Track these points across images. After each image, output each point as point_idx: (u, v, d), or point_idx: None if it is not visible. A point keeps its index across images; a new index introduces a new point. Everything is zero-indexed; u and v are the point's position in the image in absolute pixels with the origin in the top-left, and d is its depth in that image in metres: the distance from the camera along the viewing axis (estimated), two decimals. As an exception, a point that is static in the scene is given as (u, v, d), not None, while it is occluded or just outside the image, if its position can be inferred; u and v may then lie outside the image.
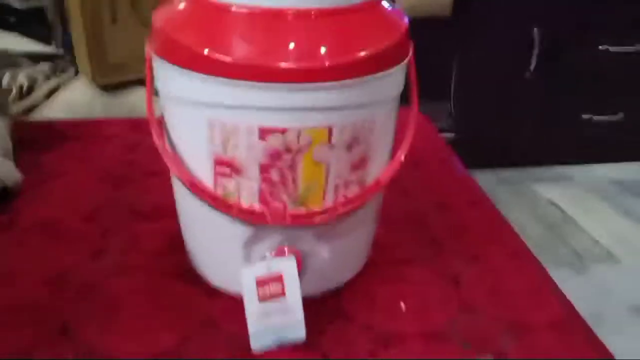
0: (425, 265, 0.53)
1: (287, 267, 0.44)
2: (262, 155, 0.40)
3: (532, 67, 1.65)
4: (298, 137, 0.40)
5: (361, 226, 0.48)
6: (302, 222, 0.43)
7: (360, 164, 0.43)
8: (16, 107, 0.93)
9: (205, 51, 0.38)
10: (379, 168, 0.46)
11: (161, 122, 0.45)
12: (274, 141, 0.40)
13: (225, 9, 0.38)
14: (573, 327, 0.48)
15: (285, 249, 0.44)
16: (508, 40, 1.65)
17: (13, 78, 0.96)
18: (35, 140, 0.72)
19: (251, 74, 0.38)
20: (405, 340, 0.45)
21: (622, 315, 1.21)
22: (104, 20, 0.88)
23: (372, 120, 0.42)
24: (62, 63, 1.01)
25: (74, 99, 0.96)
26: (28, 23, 1.07)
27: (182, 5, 0.41)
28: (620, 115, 1.75)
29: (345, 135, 0.41)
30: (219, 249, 0.47)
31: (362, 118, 0.41)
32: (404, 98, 0.47)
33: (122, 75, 0.93)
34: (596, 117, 1.73)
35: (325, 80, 0.38)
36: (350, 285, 0.50)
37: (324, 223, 0.44)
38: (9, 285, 0.49)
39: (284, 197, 0.42)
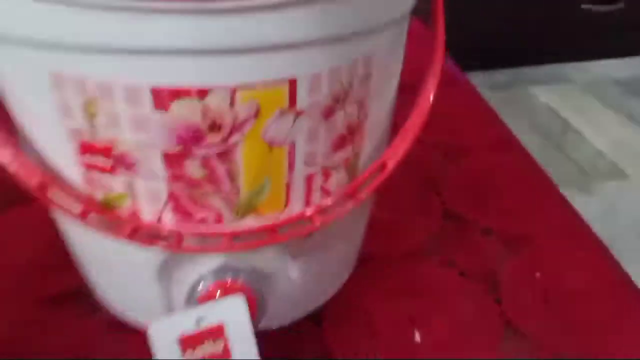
0: (441, 257, 0.36)
1: (232, 311, 0.26)
2: (164, 137, 0.21)
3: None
4: (231, 101, 0.20)
5: (352, 227, 0.30)
6: (252, 244, 0.25)
7: (347, 139, 0.24)
8: None
9: None
10: (380, 141, 0.27)
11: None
12: (185, 111, 0.20)
13: None
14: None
15: (228, 281, 0.26)
16: None
17: None
18: None
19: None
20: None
21: (633, 240, 1.08)
22: None
23: (367, 61, 0.23)
24: None
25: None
26: None
27: None
28: (620, 5, 1.54)
29: (321, 92, 0.22)
30: (121, 284, 0.29)
31: (350, 57, 0.22)
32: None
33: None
34: (596, 7, 1.52)
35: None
36: (333, 303, 0.33)
37: (290, 239, 0.25)
38: None
39: (216, 205, 0.24)
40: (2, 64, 0.22)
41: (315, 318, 0.32)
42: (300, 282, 0.29)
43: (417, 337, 0.32)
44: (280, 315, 0.30)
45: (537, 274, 0.36)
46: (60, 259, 0.32)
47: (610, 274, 0.36)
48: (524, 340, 0.32)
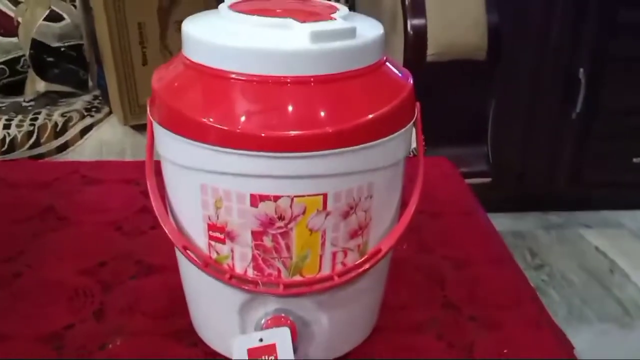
0: (437, 332, 0.50)
1: (281, 337, 0.42)
2: (254, 221, 0.39)
3: (578, 108, 1.60)
4: (291, 204, 0.38)
5: (365, 293, 0.46)
6: (297, 291, 0.41)
7: (359, 232, 0.41)
8: (50, 145, 0.95)
9: (200, 119, 0.37)
10: (383, 233, 0.43)
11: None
12: (266, 208, 0.38)
13: (222, 76, 0.37)
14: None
15: (282, 317, 0.42)
16: (549, 81, 1.61)
17: (49, 116, 0.98)
18: (57, 181, 0.73)
19: (246, 143, 0.37)
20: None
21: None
22: (134, 63, 0.90)
23: (370, 186, 0.40)
24: (96, 102, 1.04)
25: (106, 138, 0.97)
26: (66, 61, 1.10)
27: (180, 69, 0.40)
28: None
29: (341, 203, 0.39)
30: (215, 314, 0.45)
31: (358, 184, 0.39)
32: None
33: (152, 116, 0.94)
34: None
35: (320, 149, 0.37)
36: (354, 354, 0.48)
37: (320, 292, 0.42)
38: (8, 342, 0.48)
39: (278, 265, 0.40)
40: (170, 175, 0.41)
41: (340, 360, 0.47)
42: (327, 329, 0.44)
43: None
44: (314, 354, 0.45)
45: (505, 351, 0.49)
46: (181, 308, 0.49)
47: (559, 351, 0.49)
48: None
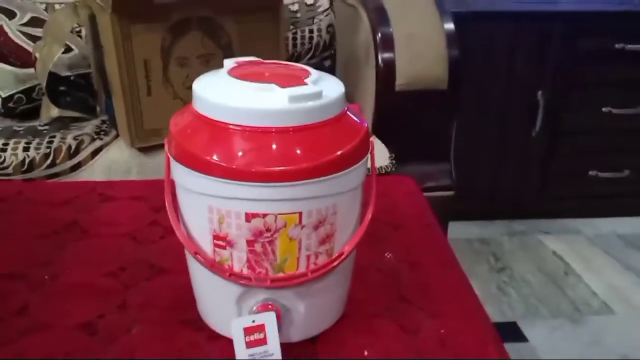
0: (392, 318, 0.64)
1: (268, 319, 0.55)
2: (248, 233, 0.52)
3: (537, 127, 1.76)
4: (275, 220, 0.52)
5: (333, 287, 0.60)
6: (280, 284, 0.55)
7: (326, 239, 0.55)
8: (65, 165, 1.08)
9: (207, 157, 0.51)
10: (345, 240, 0.57)
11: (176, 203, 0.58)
12: (257, 223, 0.52)
13: (223, 126, 0.51)
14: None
15: (269, 304, 0.56)
16: (508, 104, 1.77)
17: (63, 139, 1.11)
18: (77, 199, 0.86)
19: (242, 176, 0.50)
20: (363, 382, 0.56)
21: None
22: (140, 93, 1.03)
23: (334, 206, 0.54)
24: (104, 126, 1.17)
25: (114, 159, 1.10)
26: (75, 89, 1.23)
27: (190, 118, 0.54)
28: (626, 173, 1.83)
29: (312, 218, 0.53)
30: (217, 303, 0.59)
31: (325, 205, 0.53)
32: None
33: (156, 139, 1.07)
34: (602, 174, 1.82)
35: (297, 180, 0.51)
36: (325, 334, 0.61)
37: (298, 285, 0.55)
38: (47, 330, 0.61)
39: (266, 265, 0.54)
40: (183, 198, 0.55)
41: (314, 339, 0.60)
42: (304, 314, 0.58)
43: (366, 353, 0.59)
44: (294, 334, 0.59)
45: (442, 331, 0.62)
46: (188, 301, 0.62)
47: (492, 345, 0.62)
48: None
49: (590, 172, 1.83)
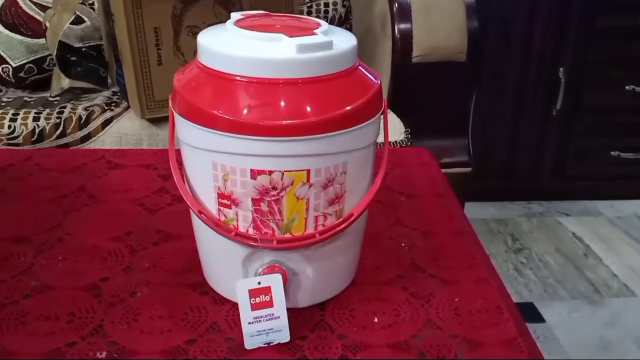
0: (403, 285, 0.62)
1: (274, 281, 0.53)
2: (253, 191, 0.50)
3: (558, 105, 1.71)
4: (282, 177, 0.50)
5: (342, 251, 0.58)
6: (287, 246, 0.53)
7: (335, 200, 0.53)
8: (75, 136, 1.07)
9: (212, 111, 0.49)
10: (355, 202, 0.55)
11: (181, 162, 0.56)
12: (263, 180, 0.50)
13: (229, 78, 0.49)
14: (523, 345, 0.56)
15: (275, 267, 0.54)
16: (530, 80, 1.73)
17: (73, 110, 1.10)
18: (86, 165, 0.85)
19: (248, 130, 0.48)
20: (372, 348, 0.54)
21: (628, 345, 1.25)
22: (150, 63, 1.01)
23: (344, 165, 0.52)
24: (115, 97, 1.15)
25: (125, 130, 1.09)
26: (87, 60, 1.22)
27: (195, 72, 0.52)
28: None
29: (321, 177, 0.51)
30: (223, 265, 0.57)
31: (334, 163, 0.51)
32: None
33: (167, 110, 1.05)
34: (624, 154, 1.77)
35: (305, 134, 0.48)
36: (334, 300, 0.59)
37: (306, 247, 0.53)
38: (54, 291, 0.60)
39: (272, 225, 0.52)
40: (188, 156, 0.53)
41: (322, 305, 0.58)
42: (312, 278, 0.56)
43: (375, 319, 0.57)
44: (302, 299, 0.57)
45: (456, 299, 0.60)
46: (195, 266, 0.61)
47: (498, 300, 0.60)
48: (438, 330, 0.56)
49: (612, 153, 1.78)
